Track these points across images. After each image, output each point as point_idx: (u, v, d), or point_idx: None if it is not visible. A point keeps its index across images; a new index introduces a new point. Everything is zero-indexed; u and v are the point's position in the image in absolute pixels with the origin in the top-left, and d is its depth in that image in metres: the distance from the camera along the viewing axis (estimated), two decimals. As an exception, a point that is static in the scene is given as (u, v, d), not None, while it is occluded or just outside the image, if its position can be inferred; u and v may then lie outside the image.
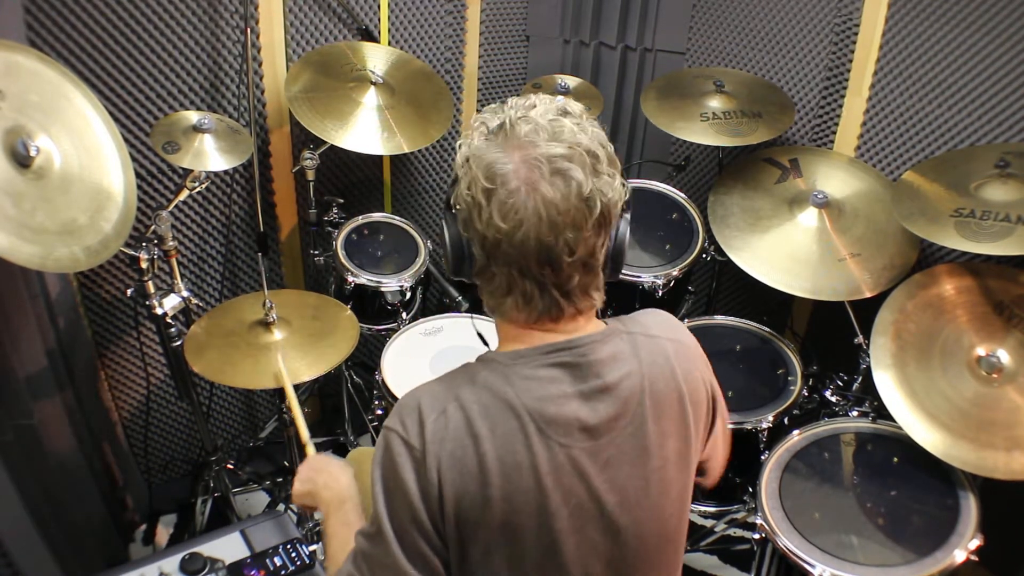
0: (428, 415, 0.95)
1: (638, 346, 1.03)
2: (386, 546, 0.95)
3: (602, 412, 0.97)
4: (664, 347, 1.04)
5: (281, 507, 2.29)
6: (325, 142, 2.19)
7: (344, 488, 1.22)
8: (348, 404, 2.64)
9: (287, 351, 1.86)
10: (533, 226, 0.90)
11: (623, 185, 0.98)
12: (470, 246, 0.98)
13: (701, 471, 1.23)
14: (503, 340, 1.04)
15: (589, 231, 0.93)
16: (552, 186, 0.90)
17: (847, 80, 2.31)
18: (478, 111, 3.05)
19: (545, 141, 0.92)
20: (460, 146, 0.98)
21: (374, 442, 2.69)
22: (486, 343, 2.06)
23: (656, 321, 1.09)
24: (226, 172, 2.30)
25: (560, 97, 1.00)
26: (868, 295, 1.98)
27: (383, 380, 1.96)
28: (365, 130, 2.22)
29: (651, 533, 1.04)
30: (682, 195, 2.47)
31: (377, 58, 2.37)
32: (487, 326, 2.12)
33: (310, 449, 1.49)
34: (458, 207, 0.97)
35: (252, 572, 1.49)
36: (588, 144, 0.93)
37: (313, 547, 1.57)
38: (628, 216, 1.02)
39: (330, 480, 1.25)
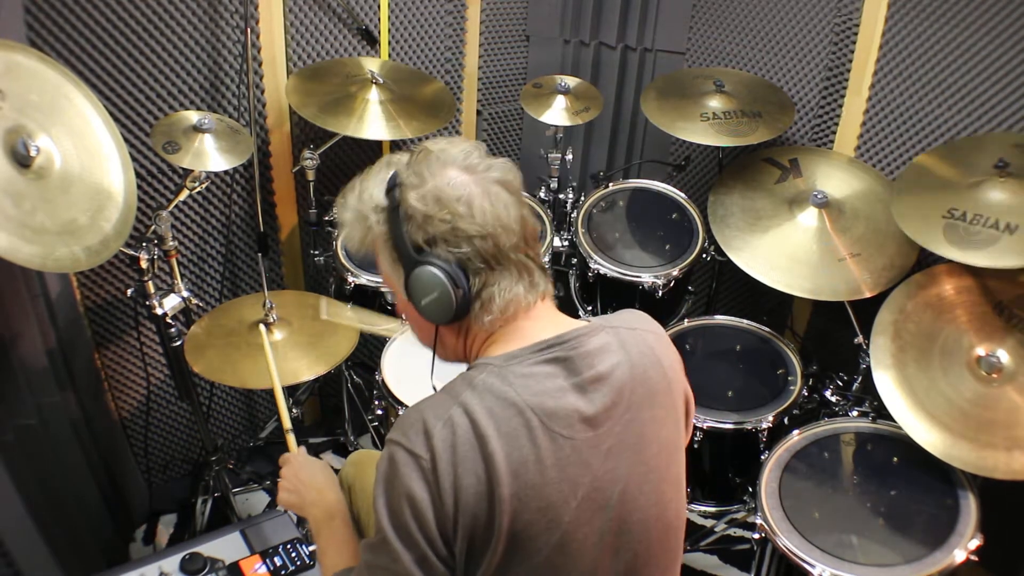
0: (434, 425, 0.95)
1: (623, 339, 1.06)
2: (393, 555, 0.95)
3: (598, 402, 1.00)
4: (647, 338, 1.09)
5: (281, 507, 2.29)
6: (325, 141, 2.18)
7: (332, 504, 1.24)
8: (348, 404, 2.64)
9: (288, 351, 1.87)
10: (511, 210, 1.00)
11: None
12: (463, 267, 0.99)
13: None
14: (487, 346, 1.05)
15: (525, 207, 1.05)
16: (494, 176, 1.01)
17: (847, 80, 2.31)
18: (478, 112, 3.03)
19: (452, 159, 1.02)
20: (390, 200, 1.02)
21: (374, 442, 2.71)
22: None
23: (634, 316, 1.14)
24: (226, 172, 2.30)
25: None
26: (868, 295, 1.98)
27: (383, 380, 1.96)
28: (368, 120, 2.20)
29: (654, 520, 1.06)
30: (682, 195, 2.47)
31: (378, 67, 2.36)
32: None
33: (291, 439, 1.45)
34: (438, 240, 0.99)
35: (257, 568, 1.50)
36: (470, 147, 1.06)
37: (313, 547, 1.57)
38: None
39: (317, 497, 1.26)
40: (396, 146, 2.63)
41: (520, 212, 1.02)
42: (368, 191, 1.05)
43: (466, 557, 0.97)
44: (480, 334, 1.06)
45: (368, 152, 2.64)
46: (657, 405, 1.05)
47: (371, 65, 2.36)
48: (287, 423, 1.49)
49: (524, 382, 0.98)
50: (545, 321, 1.05)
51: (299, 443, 1.46)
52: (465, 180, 0.99)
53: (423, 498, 0.93)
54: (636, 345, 1.06)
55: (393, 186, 1.01)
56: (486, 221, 0.98)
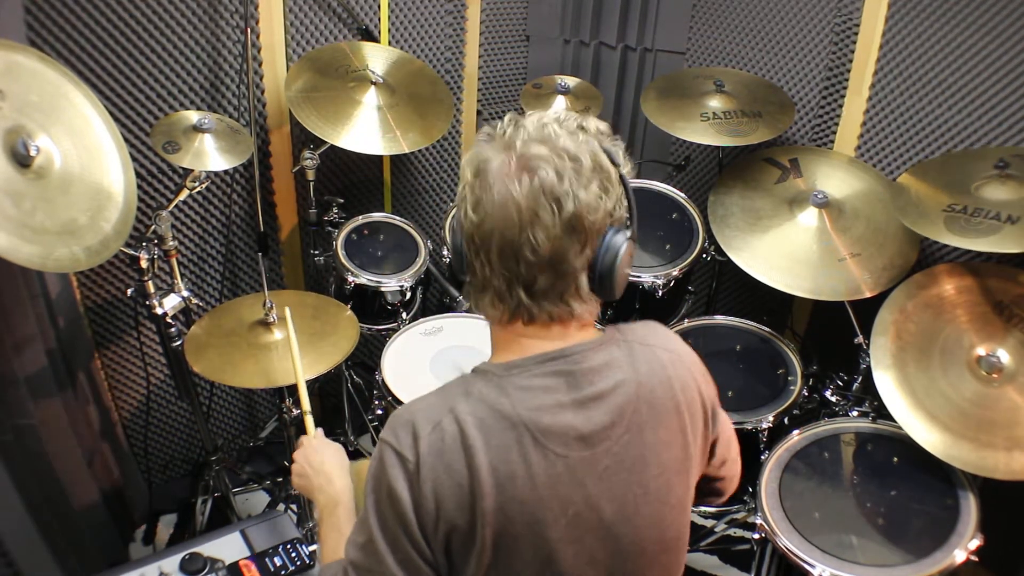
0: (423, 428, 0.95)
1: (635, 354, 1.03)
2: (378, 556, 0.96)
3: (596, 420, 0.97)
4: (660, 356, 1.05)
5: (281, 507, 2.29)
6: (325, 142, 2.19)
7: (338, 492, 1.24)
8: (348, 404, 2.65)
9: (288, 351, 1.86)
10: (498, 219, 0.93)
11: (618, 200, 1.00)
12: (462, 241, 1.01)
13: (716, 490, 1.27)
14: (496, 349, 1.05)
15: (558, 232, 0.92)
16: (518, 182, 0.92)
17: (847, 80, 2.31)
18: (478, 112, 3.01)
19: (525, 141, 0.94)
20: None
21: (374, 442, 2.69)
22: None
23: (651, 332, 1.09)
24: (226, 172, 2.30)
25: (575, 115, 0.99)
26: (868, 295, 1.98)
27: (383, 380, 1.96)
28: (365, 130, 2.22)
29: (650, 541, 1.03)
30: (682, 195, 2.47)
31: (377, 58, 2.37)
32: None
33: (309, 421, 1.45)
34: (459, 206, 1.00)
35: (255, 566, 1.50)
36: (573, 150, 0.93)
37: (313, 547, 1.57)
38: (626, 234, 1.01)
39: (325, 483, 1.27)
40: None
41: (548, 234, 0.92)
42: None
43: (448, 563, 0.97)
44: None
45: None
46: (662, 426, 1.01)
47: (371, 52, 2.37)
48: (306, 404, 1.49)
49: (521, 395, 0.96)
50: (555, 335, 1.00)
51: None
52: (506, 167, 0.93)
53: (405, 499, 0.94)
54: (647, 363, 1.02)
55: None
56: (486, 213, 0.93)
